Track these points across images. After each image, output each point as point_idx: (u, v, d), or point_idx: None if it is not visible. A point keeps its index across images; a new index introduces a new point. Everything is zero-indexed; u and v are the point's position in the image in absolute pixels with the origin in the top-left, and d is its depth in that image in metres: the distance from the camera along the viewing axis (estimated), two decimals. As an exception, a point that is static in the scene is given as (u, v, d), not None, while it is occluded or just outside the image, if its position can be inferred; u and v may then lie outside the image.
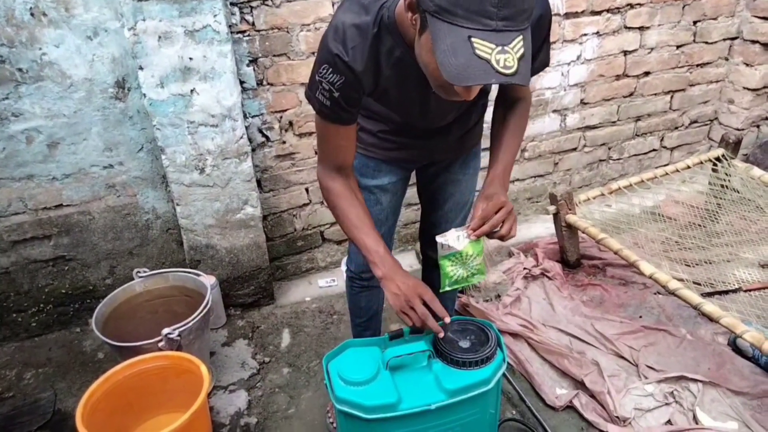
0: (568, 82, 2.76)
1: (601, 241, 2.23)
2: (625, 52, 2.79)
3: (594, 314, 2.25)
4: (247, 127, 2.24)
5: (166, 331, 1.80)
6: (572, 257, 2.55)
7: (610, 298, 2.37)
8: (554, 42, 2.59)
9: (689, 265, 2.36)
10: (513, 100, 1.45)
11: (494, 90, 1.55)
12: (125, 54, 2.03)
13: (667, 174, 2.58)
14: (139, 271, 2.11)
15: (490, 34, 0.91)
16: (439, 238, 1.34)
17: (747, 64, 2.94)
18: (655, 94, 2.98)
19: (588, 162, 3.05)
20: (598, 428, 1.80)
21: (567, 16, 2.58)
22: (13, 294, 2.29)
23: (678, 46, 2.88)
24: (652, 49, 2.83)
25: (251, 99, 2.25)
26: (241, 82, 2.18)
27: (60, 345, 2.34)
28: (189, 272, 2.15)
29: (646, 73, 2.90)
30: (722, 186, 2.59)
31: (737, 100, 3.04)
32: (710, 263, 2.38)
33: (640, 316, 2.25)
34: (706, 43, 2.93)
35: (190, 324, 1.87)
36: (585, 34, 2.66)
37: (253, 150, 2.32)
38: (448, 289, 1.38)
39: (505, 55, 0.91)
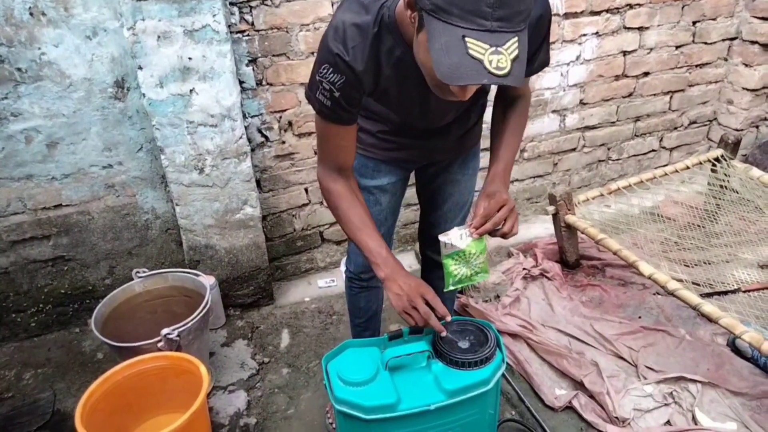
0: (567, 82, 2.76)
1: (601, 242, 2.23)
2: (625, 53, 2.79)
3: (593, 315, 2.25)
4: (246, 127, 2.24)
5: (165, 331, 1.80)
6: (571, 258, 2.55)
7: (610, 298, 2.37)
8: (553, 42, 2.59)
9: (688, 266, 2.36)
10: (513, 98, 1.46)
11: (494, 89, 1.56)
12: (124, 54, 2.03)
13: (666, 174, 2.58)
14: (138, 272, 2.11)
15: (485, 35, 0.91)
16: (441, 237, 1.35)
17: (746, 65, 2.95)
18: (655, 95, 2.98)
19: (587, 162, 3.05)
20: (597, 429, 1.80)
21: (566, 16, 2.58)
22: (13, 294, 2.29)
23: (677, 47, 2.88)
24: (651, 49, 2.83)
25: (250, 99, 2.25)
26: (241, 82, 2.18)
27: (59, 345, 2.34)
28: (188, 272, 2.15)
29: (646, 74, 2.90)
30: (721, 186, 2.60)
31: (736, 100, 3.04)
32: (709, 264, 2.39)
33: (639, 317, 2.26)
34: (706, 43, 2.93)
35: (190, 324, 1.87)
36: (584, 35, 2.66)
37: (253, 150, 2.32)
38: (451, 288, 1.38)
39: (499, 56, 0.91)
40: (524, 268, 2.52)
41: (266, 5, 2.11)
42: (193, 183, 2.18)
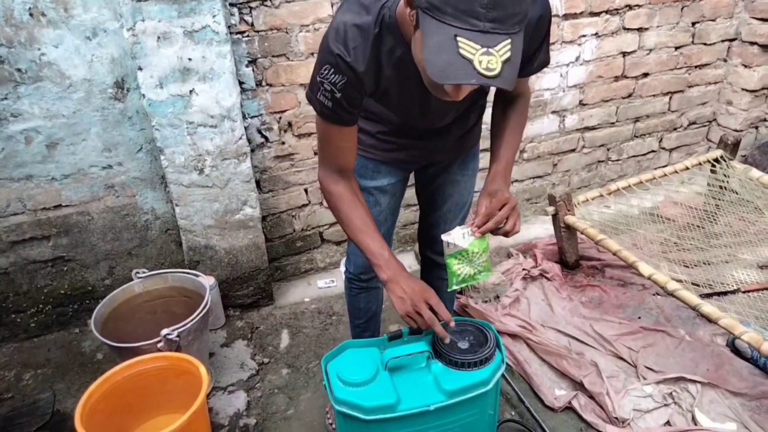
0: (566, 83, 2.76)
1: (600, 242, 2.23)
2: (624, 54, 2.80)
3: (593, 315, 2.25)
4: (246, 128, 2.24)
5: (165, 331, 1.80)
6: (571, 258, 2.55)
7: (609, 299, 2.37)
8: (553, 43, 2.59)
9: (688, 266, 2.36)
10: (512, 97, 1.46)
11: (493, 89, 1.55)
12: (124, 54, 2.03)
13: (665, 175, 2.58)
14: (138, 272, 2.11)
15: (477, 35, 0.91)
16: (444, 237, 1.35)
17: (745, 66, 2.95)
18: (654, 96, 2.99)
19: (587, 163, 3.06)
20: (597, 429, 1.80)
21: (566, 17, 2.59)
22: (12, 294, 2.29)
23: (677, 48, 2.89)
24: (650, 50, 2.83)
25: (250, 100, 2.25)
26: (240, 83, 2.18)
27: (59, 346, 2.34)
28: (188, 273, 2.15)
29: (645, 75, 2.90)
30: (721, 187, 2.60)
31: (736, 101, 3.05)
32: (709, 264, 2.39)
33: (639, 317, 2.26)
34: (705, 44, 2.93)
35: (189, 325, 1.87)
36: (584, 36, 2.67)
37: (252, 151, 2.32)
38: (455, 287, 1.38)
39: (489, 57, 0.91)
40: (524, 269, 2.52)
41: (266, 6, 2.12)
42: (192, 183, 2.18)
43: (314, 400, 2.01)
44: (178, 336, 1.82)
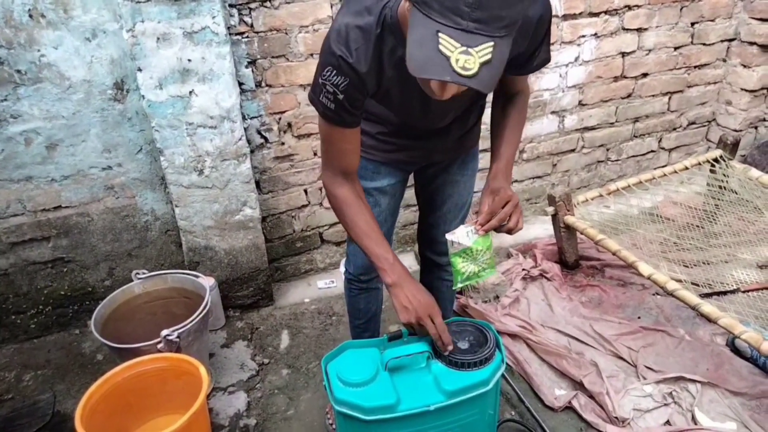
0: (566, 83, 2.76)
1: (600, 242, 2.23)
2: (623, 54, 2.80)
3: (592, 315, 2.25)
4: (245, 129, 2.24)
5: (165, 332, 1.80)
6: (571, 258, 2.55)
7: (609, 298, 2.37)
8: (552, 44, 2.57)
9: (687, 266, 2.36)
10: (512, 94, 1.46)
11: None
12: (124, 55, 2.04)
13: (665, 175, 2.58)
14: (138, 273, 2.11)
15: (459, 33, 0.91)
16: (448, 236, 1.36)
17: (745, 66, 2.95)
18: (653, 96, 2.99)
19: (586, 163, 3.06)
20: (597, 429, 1.80)
21: (565, 17, 2.59)
22: (12, 296, 2.29)
23: (676, 48, 2.89)
24: (650, 50, 2.84)
25: (250, 100, 2.25)
26: (240, 84, 2.18)
27: (59, 347, 2.34)
28: (188, 274, 2.15)
29: (644, 75, 2.90)
30: (720, 187, 2.60)
31: (735, 101, 3.05)
32: (708, 264, 2.39)
33: (639, 317, 2.26)
34: (704, 44, 2.93)
35: (189, 326, 1.87)
36: (583, 36, 2.67)
37: (252, 151, 2.32)
38: (460, 285, 1.39)
39: (467, 57, 0.91)
40: (523, 269, 2.52)
41: (265, 7, 2.12)
42: (192, 184, 2.18)
43: (314, 400, 2.01)
44: (178, 337, 1.82)
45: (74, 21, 1.95)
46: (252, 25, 2.13)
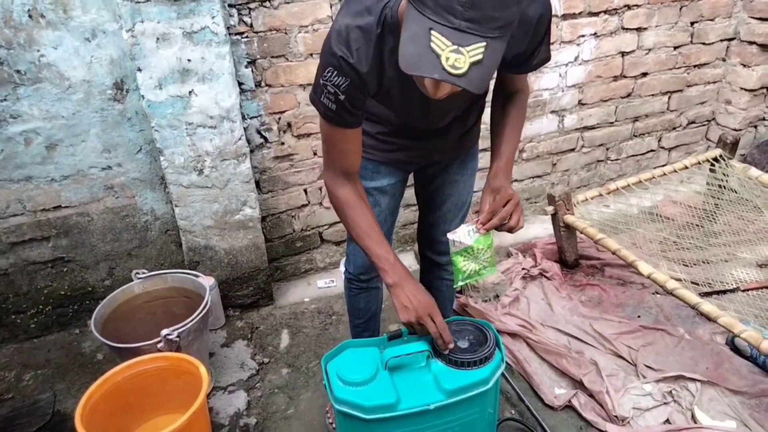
0: (566, 83, 2.76)
1: (600, 242, 2.24)
2: (623, 53, 2.80)
3: (592, 314, 2.25)
4: (245, 129, 2.24)
5: (165, 332, 1.80)
6: (570, 257, 2.55)
7: (609, 298, 2.37)
8: (552, 43, 2.58)
9: (687, 265, 2.36)
10: (511, 92, 1.46)
11: (492, 87, 1.55)
12: (123, 56, 2.04)
13: (664, 174, 2.59)
14: (138, 273, 2.11)
15: (451, 32, 0.91)
16: (450, 235, 1.36)
17: (744, 65, 2.95)
18: (653, 95, 2.99)
19: (586, 162, 3.06)
20: (597, 427, 1.80)
21: (565, 17, 2.59)
22: (12, 295, 2.29)
23: (675, 47, 2.89)
24: (649, 50, 2.84)
25: (249, 100, 2.25)
26: (240, 84, 2.19)
27: (59, 346, 2.34)
28: (188, 273, 2.15)
29: (644, 74, 2.91)
30: (720, 186, 2.60)
31: (734, 100, 3.05)
32: (708, 263, 2.39)
33: (639, 316, 2.26)
34: (704, 44, 2.93)
35: (189, 325, 1.87)
36: (582, 36, 2.67)
37: (252, 151, 2.32)
38: (461, 284, 1.40)
39: (458, 56, 0.91)
40: (523, 268, 2.52)
41: (265, 7, 2.12)
42: (192, 184, 2.18)
43: (314, 399, 2.01)
44: (178, 336, 1.82)
45: (74, 21, 1.95)
46: (251, 25, 2.13)
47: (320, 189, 2.54)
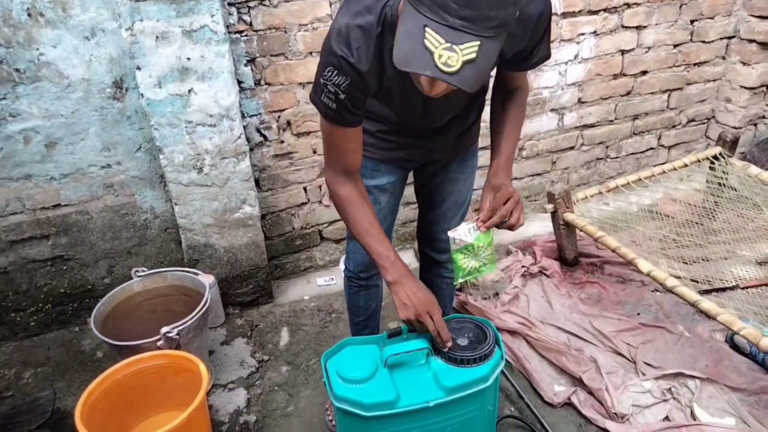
0: (565, 81, 2.76)
1: (599, 239, 2.24)
2: (623, 52, 2.80)
3: (592, 312, 2.26)
4: (245, 127, 2.24)
5: (164, 330, 1.80)
6: (570, 255, 2.56)
7: (608, 295, 2.38)
8: (552, 41, 2.58)
9: (687, 263, 2.37)
10: (510, 90, 1.46)
11: (491, 83, 1.55)
12: (123, 54, 2.04)
13: (664, 172, 2.59)
14: (137, 271, 2.11)
15: (445, 30, 0.91)
16: (450, 233, 1.37)
17: (744, 63, 2.95)
18: (653, 93, 2.99)
19: (586, 160, 3.06)
20: (597, 425, 1.80)
21: (564, 15, 2.59)
22: (12, 293, 2.30)
23: (675, 45, 2.89)
24: (649, 48, 2.84)
25: (249, 99, 2.25)
26: (239, 82, 2.18)
27: (59, 344, 2.34)
28: (187, 271, 2.15)
29: (644, 72, 2.90)
30: (719, 184, 2.60)
31: (734, 98, 3.05)
32: (708, 261, 2.39)
33: (638, 314, 2.26)
34: (703, 42, 2.93)
35: (189, 323, 1.87)
36: (582, 34, 2.67)
37: (251, 149, 2.32)
38: (461, 281, 1.41)
39: (451, 53, 0.91)
40: (523, 266, 2.53)
41: (264, 5, 2.12)
42: (191, 182, 2.18)
43: (314, 397, 2.02)
44: (177, 334, 1.82)
45: (73, 20, 1.95)
46: (251, 24, 2.13)
47: (320, 187, 2.54)
